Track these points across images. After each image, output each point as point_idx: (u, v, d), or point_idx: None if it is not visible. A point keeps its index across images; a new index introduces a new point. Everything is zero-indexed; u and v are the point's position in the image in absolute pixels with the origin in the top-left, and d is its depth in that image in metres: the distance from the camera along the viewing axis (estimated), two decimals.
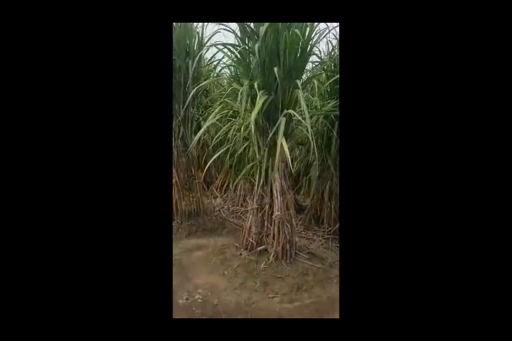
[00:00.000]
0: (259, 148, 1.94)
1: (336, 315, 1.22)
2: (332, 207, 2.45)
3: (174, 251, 2.12)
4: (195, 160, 2.61)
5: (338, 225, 2.33)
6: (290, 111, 1.66)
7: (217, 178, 3.58)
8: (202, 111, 3.27)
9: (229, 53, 1.98)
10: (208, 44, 2.25)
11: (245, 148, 2.60)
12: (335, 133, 2.19)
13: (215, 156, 1.99)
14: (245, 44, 1.77)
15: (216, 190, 3.51)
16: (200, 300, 1.59)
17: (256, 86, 1.56)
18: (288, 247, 1.91)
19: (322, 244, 2.30)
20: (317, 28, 1.78)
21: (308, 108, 2.00)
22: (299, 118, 1.56)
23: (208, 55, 2.59)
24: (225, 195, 3.45)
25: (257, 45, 1.57)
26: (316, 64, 2.28)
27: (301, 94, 1.50)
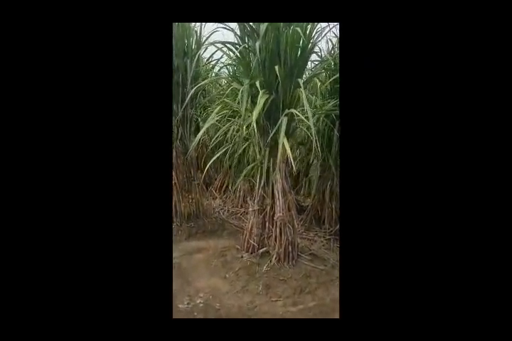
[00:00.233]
0: (259, 148, 1.91)
1: None
2: (333, 207, 2.42)
3: (174, 254, 2.08)
4: (194, 161, 2.57)
5: (338, 225, 2.30)
6: (292, 110, 1.63)
7: (216, 179, 3.54)
8: (200, 112, 3.23)
9: (228, 52, 1.95)
10: (207, 43, 2.22)
11: (245, 148, 2.57)
12: (336, 133, 2.17)
13: (214, 157, 1.96)
14: (245, 42, 1.74)
15: (215, 191, 3.47)
16: (201, 305, 1.55)
17: (258, 85, 1.53)
18: (290, 249, 1.88)
19: (323, 245, 2.27)
20: (318, 26, 1.76)
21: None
22: (302, 117, 1.53)
23: (206, 55, 2.56)
24: (225, 195, 3.42)
25: (257, 44, 1.53)
26: (316, 63, 2.25)
27: (303, 93, 1.47)
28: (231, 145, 2.23)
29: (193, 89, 1.81)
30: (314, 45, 1.77)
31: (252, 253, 1.95)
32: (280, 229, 1.86)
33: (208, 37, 2.28)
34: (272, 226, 1.92)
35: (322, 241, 2.32)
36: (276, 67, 1.52)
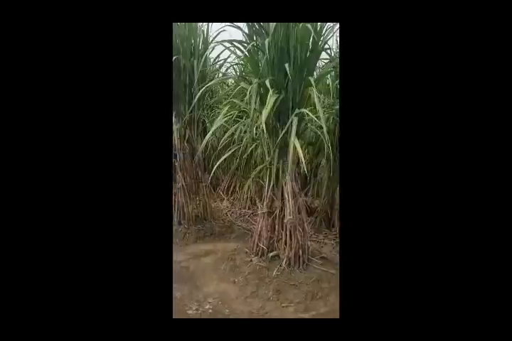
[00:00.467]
0: (268, 149, 1.86)
1: None
2: None
3: (181, 258, 2.05)
4: (202, 162, 2.53)
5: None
6: (303, 110, 1.58)
7: (223, 180, 3.51)
8: (207, 112, 3.20)
9: (236, 51, 1.91)
10: (214, 42, 2.18)
11: (252, 149, 2.52)
12: None
13: (222, 158, 1.92)
14: (253, 40, 1.69)
15: (222, 192, 3.44)
16: (210, 311, 1.51)
17: (267, 83, 1.49)
18: (301, 253, 1.82)
19: (334, 248, 2.21)
20: (327, 24, 1.70)
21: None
22: (313, 117, 1.48)
23: (213, 55, 2.52)
24: (232, 197, 3.38)
25: (266, 41, 1.49)
26: (326, 61, 2.20)
27: (314, 92, 1.42)
28: (239, 146, 2.18)
29: (201, 91, 1.76)
30: (325, 42, 1.72)
31: (261, 256, 1.90)
32: (290, 232, 1.81)
33: (215, 36, 2.24)
34: (282, 230, 1.86)
35: (332, 244, 2.26)
36: (286, 65, 1.47)
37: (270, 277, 1.74)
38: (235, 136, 2.69)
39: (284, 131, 1.68)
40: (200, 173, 2.49)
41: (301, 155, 1.48)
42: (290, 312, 1.51)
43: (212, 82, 2.01)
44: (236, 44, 1.74)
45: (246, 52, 1.71)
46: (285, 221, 1.82)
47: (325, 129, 1.43)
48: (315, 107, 1.54)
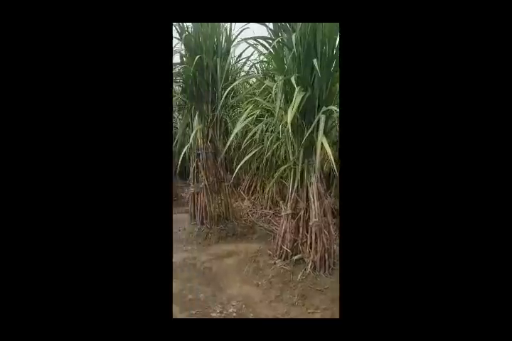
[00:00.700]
0: (293, 149, 1.80)
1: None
2: None
3: (204, 258, 2.04)
4: (223, 162, 2.51)
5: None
6: (332, 107, 1.51)
7: (243, 180, 3.48)
8: (228, 112, 3.18)
9: (260, 48, 1.86)
10: (238, 40, 2.14)
11: (274, 149, 2.47)
12: None
13: (245, 159, 1.88)
14: (279, 36, 1.64)
15: (243, 192, 3.41)
16: (234, 314, 1.48)
17: (293, 81, 1.43)
18: (326, 257, 1.75)
19: None
20: None
21: None
22: None
23: (236, 53, 2.49)
24: (253, 197, 3.35)
25: (293, 36, 1.43)
26: None
27: None
28: (262, 146, 2.12)
29: (227, 90, 1.73)
30: None
31: (284, 259, 1.85)
32: (315, 235, 1.74)
33: (238, 34, 2.21)
34: (307, 232, 1.80)
35: None
36: (315, 61, 1.40)
37: (295, 281, 1.68)
38: (256, 136, 2.64)
39: (310, 130, 1.61)
40: (222, 173, 2.47)
41: (330, 154, 1.41)
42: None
43: (238, 81, 1.97)
44: (261, 41, 1.69)
45: (271, 49, 1.66)
46: (310, 223, 1.75)
47: None
48: None
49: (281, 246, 1.87)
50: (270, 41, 1.72)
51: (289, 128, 1.40)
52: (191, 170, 2.45)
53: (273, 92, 1.48)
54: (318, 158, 1.50)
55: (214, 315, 1.46)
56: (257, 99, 2.06)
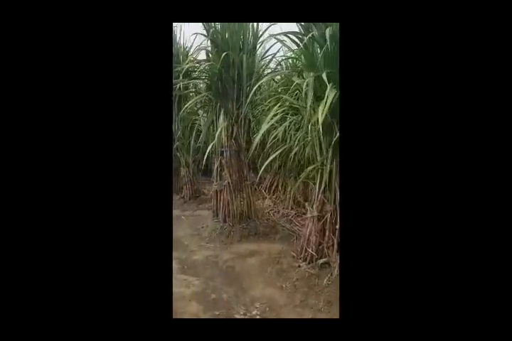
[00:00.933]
0: (321, 148, 1.73)
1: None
2: None
3: (226, 257, 2.03)
4: (247, 160, 2.48)
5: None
6: None
7: (265, 179, 3.44)
8: (252, 109, 3.14)
9: (288, 44, 1.79)
10: (266, 35, 2.08)
11: (299, 148, 2.40)
12: None
13: (271, 158, 1.84)
14: (309, 32, 1.57)
15: (264, 190, 3.37)
16: (258, 317, 1.45)
17: (324, 77, 1.36)
18: None
19: None
20: None
21: None
22: None
23: (262, 50, 2.43)
24: (274, 196, 3.30)
25: (328, 30, 1.35)
26: None
27: None
28: (289, 145, 2.06)
29: (254, 88, 1.69)
30: None
31: (309, 263, 1.80)
32: None
33: (265, 30, 2.15)
34: (333, 235, 1.74)
35: None
36: None
37: (320, 286, 1.63)
38: (279, 134, 2.59)
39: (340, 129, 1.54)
40: (245, 171, 2.44)
41: None
42: None
43: (265, 78, 1.92)
44: (291, 36, 1.62)
45: (301, 45, 1.59)
46: (337, 226, 1.69)
47: None
48: None
49: (305, 249, 1.82)
50: (300, 36, 1.66)
51: (320, 126, 1.33)
52: (215, 167, 2.44)
53: (303, 89, 1.41)
54: None
55: (238, 317, 1.44)
56: (285, 96, 2.00)
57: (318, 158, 1.74)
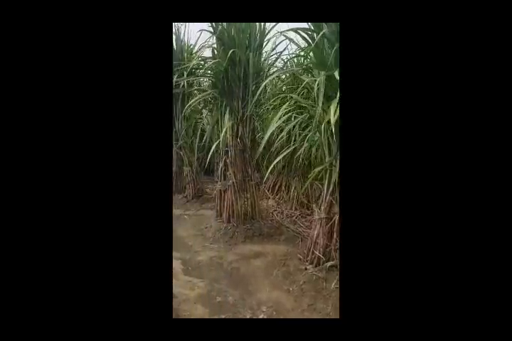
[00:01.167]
0: (330, 149, 1.70)
1: None
2: None
3: (231, 258, 2.00)
4: (250, 160, 2.44)
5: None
6: None
7: (268, 178, 3.40)
8: (257, 108, 3.10)
9: (296, 41, 1.75)
10: (274, 32, 2.04)
11: (305, 148, 2.36)
12: None
13: (278, 158, 1.80)
14: (319, 28, 1.53)
15: (268, 190, 3.34)
16: None
17: (337, 76, 1.32)
18: None
19: None
20: None
21: None
22: None
23: (268, 48, 2.38)
24: (277, 196, 3.27)
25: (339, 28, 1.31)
26: None
27: None
28: (298, 145, 2.02)
29: (262, 85, 1.65)
30: None
31: (316, 265, 1.76)
32: None
33: (273, 27, 2.11)
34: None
35: None
36: None
37: (328, 289, 1.59)
38: (284, 133, 2.55)
39: None
40: (250, 171, 2.40)
41: None
42: None
43: (274, 75, 1.87)
44: (301, 33, 1.58)
45: (311, 42, 1.55)
46: None
47: None
48: None
49: (312, 251, 1.79)
50: (310, 33, 1.62)
51: (333, 125, 1.30)
52: (219, 167, 2.41)
53: (315, 88, 1.37)
54: None
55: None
56: (293, 96, 1.95)
57: (327, 158, 1.71)
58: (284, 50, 2.35)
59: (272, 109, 2.86)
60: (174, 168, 3.22)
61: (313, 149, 2.29)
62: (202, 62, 2.62)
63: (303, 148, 2.27)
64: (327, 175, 1.72)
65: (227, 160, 2.33)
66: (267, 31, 2.18)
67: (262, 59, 2.31)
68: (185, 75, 2.78)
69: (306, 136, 2.19)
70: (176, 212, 2.78)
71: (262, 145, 1.85)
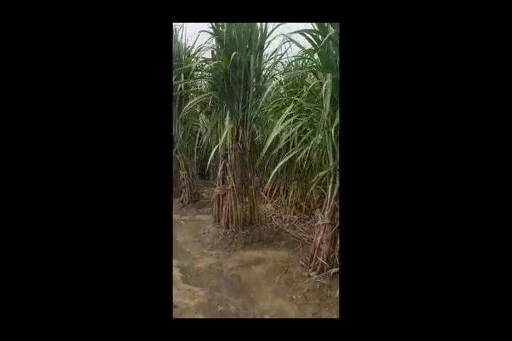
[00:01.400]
0: (334, 153, 1.67)
1: None
2: None
3: (231, 265, 1.94)
4: (250, 164, 2.40)
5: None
6: None
7: (265, 182, 3.36)
8: (255, 111, 3.06)
9: (301, 42, 1.73)
10: (277, 33, 2.01)
11: (307, 152, 2.33)
12: None
13: (280, 163, 1.76)
14: (324, 30, 1.50)
15: (265, 194, 3.29)
16: None
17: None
18: None
19: None
20: None
21: None
22: None
23: (270, 50, 2.36)
24: (275, 200, 3.23)
25: None
26: None
27: None
28: (301, 149, 1.98)
29: (267, 91, 1.61)
30: None
31: (320, 272, 1.72)
32: None
33: (275, 28, 2.08)
34: None
35: None
36: None
37: (333, 297, 1.55)
38: (283, 135, 2.51)
39: None
40: (249, 175, 2.36)
41: None
42: None
43: (283, 77, 1.82)
44: (307, 34, 1.56)
45: (316, 44, 1.52)
46: None
47: None
48: None
49: (316, 258, 1.75)
50: (314, 34, 1.60)
51: (339, 129, 1.26)
52: (219, 170, 2.35)
53: (322, 91, 1.34)
54: None
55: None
56: (298, 99, 1.92)
57: (331, 163, 1.68)
58: (285, 53, 2.32)
59: (271, 112, 2.83)
60: None
61: (314, 153, 2.26)
62: (202, 64, 2.57)
63: (304, 152, 2.23)
64: (331, 180, 1.68)
65: (227, 164, 2.28)
66: (268, 33, 2.16)
67: (263, 61, 2.29)
68: (182, 78, 2.73)
69: (306, 139, 2.16)
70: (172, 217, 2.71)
71: (265, 150, 1.80)
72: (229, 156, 2.25)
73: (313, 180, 1.74)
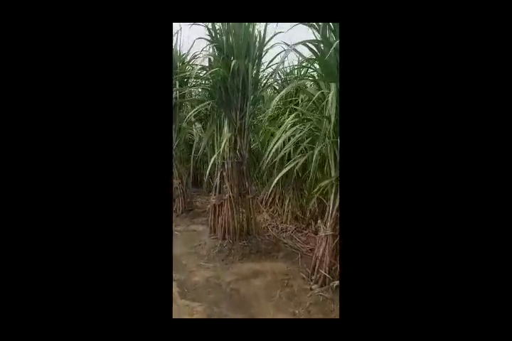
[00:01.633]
0: (336, 162, 1.65)
1: None
2: None
3: (229, 278, 1.86)
4: (247, 173, 2.35)
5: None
6: None
7: (260, 192, 3.32)
8: (252, 119, 3.04)
9: (302, 51, 1.72)
10: (272, 42, 2.01)
11: (305, 161, 2.31)
12: None
13: (283, 172, 1.72)
14: (327, 39, 1.50)
15: (261, 203, 3.24)
16: None
17: None
18: None
19: None
20: None
21: None
22: None
23: (268, 58, 2.35)
24: (271, 209, 3.18)
25: None
26: None
27: None
28: (302, 159, 1.95)
29: (274, 101, 1.58)
30: None
31: (322, 285, 1.67)
32: None
33: (273, 37, 2.08)
34: None
35: None
36: None
37: (337, 312, 1.50)
38: (278, 144, 2.49)
39: None
40: (247, 184, 2.31)
41: None
42: None
43: (289, 87, 1.80)
44: (309, 44, 1.55)
45: (317, 52, 1.52)
46: None
47: None
48: None
49: (317, 270, 1.70)
50: (316, 43, 1.59)
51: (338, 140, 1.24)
52: (216, 180, 2.29)
53: (329, 101, 1.32)
54: None
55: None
56: (299, 108, 1.91)
57: (333, 172, 1.65)
58: (284, 61, 2.32)
59: (267, 120, 2.81)
60: None
61: (313, 163, 2.24)
62: (199, 71, 2.54)
63: (302, 161, 2.21)
64: (333, 190, 1.66)
65: (224, 173, 2.23)
66: (267, 40, 2.15)
67: (261, 69, 2.27)
68: (177, 85, 2.69)
69: (303, 149, 2.14)
70: None
71: (267, 160, 1.76)
72: (226, 165, 2.20)
73: (314, 190, 1.70)
